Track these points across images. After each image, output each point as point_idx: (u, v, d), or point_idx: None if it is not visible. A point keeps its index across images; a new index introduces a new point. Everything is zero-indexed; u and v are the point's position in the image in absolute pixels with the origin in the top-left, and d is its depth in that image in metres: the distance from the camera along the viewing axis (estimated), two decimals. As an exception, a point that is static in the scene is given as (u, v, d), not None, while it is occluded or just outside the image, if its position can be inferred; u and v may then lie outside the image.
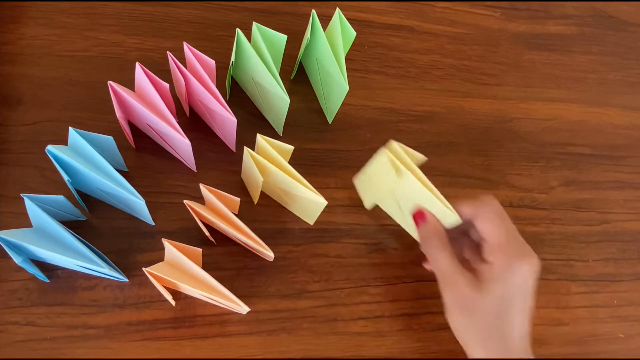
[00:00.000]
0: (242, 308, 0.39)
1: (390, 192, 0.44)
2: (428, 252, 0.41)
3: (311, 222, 0.46)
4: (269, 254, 0.41)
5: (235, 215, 0.40)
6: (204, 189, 0.40)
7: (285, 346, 0.44)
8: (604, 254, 0.54)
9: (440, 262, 0.40)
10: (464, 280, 0.38)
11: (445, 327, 0.47)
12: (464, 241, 0.43)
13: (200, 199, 0.43)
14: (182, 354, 0.42)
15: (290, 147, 0.41)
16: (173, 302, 0.41)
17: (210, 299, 0.39)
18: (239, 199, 0.42)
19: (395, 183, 0.42)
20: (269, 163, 0.40)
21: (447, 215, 0.40)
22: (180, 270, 0.39)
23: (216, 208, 0.41)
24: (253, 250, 0.44)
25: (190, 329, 0.42)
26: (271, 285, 0.45)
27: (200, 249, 0.39)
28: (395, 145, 0.41)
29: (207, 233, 0.43)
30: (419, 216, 0.41)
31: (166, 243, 0.38)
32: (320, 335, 0.44)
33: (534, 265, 0.38)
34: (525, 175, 0.55)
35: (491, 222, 0.40)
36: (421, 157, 0.41)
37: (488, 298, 0.38)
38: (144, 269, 0.38)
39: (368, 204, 0.48)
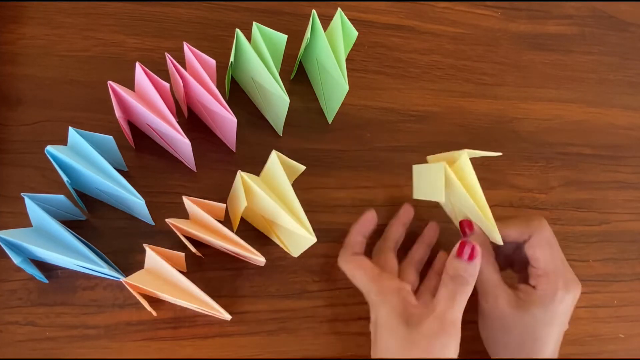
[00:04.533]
0: (224, 315, 0.38)
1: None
2: None
3: (295, 255, 0.44)
4: (259, 259, 0.40)
5: (221, 222, 0.39)
6: (186, 200, 0.40)
7: (285, 346, 0.44)
8: (604, 254, 0.54)
9: (484, 273, 0.39)
10: (505, 295, 0.38)
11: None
12: (506, 255, 0.43)
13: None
14: (182, 354, 0.42)
15: (301, 168, 0.40)
16: (154, 312, 0.41)
17: (192, 306, 0.39)
18: (224, 205, 0.41)
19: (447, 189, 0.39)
20: (260, 189, 0.38)
21: (491, 235, 0.39)
22: (160, 278, 0.39)
23: (201, 220, 0.41)
24: (243, 258, 0.44)
25: (190, 329, 0.42)
26: (271, 285, 0.45)
27: (183, 254, 0.39)
28: (465, 157, 0.38)
29: (193, 249, 0.43)
30: (468, 226, 0.40)
31: (147, 248, 0.38)
32: (320, 335, 0.44)
33: (577, 295, 0.39)
34: (526, 175, 0.55)
35: (540, 249, 0.39)
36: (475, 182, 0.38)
37: (526, 319, 0.37)
38: (122, 279, 0.38)
39: (416, 194, 0.44)
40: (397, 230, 0.44)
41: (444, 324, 0.34)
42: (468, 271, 0.35)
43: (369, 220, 0.43)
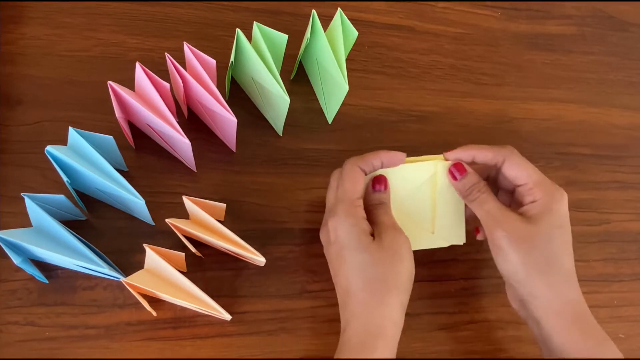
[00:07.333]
0: (224, 315, 0.38)
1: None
2: (475, 198, 0.42)
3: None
4: (259, 259, 0.40)
5: (221, 222, 0.40)
6: (186, 200, 0.40)
7: (285, 346, 0.44)
8: (604, 254, 0.54)
9: (489, 204, 0.41)
10: (516, 216, 0.40)
11: (445, 327, 0.47)
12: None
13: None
14: (182, 354, 0.42)
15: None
16: (154, 312, 0.41)
17: (192, 306, 0.39)
18: (224, 205, 0.41)
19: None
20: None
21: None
22: (160, 278, 0.39)
23: (201, 220, 0.41)
24: (243, 258, 0.44)
25: (190, 329, 0.42)
26: (271, 285, 0.45)
27: (183, 254, 0.40)
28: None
29: (193, 249, 0.43)
30: (460, 169, 0.43)
31: (147, 248, 0.38)
32: (320, 335, 0.44)
33: (566, 196, 0.41)
34: (525, 175, 0.55)
35: (521, 166, 0.41)
36: None
37: (542, 227, 0.39)
38: (122, 279, 0.38)
39: None
40: (376, 159, 0.42)
41: (396, 229, 0.40)
42: (384, 197, 0.42)
43: (397, 157, 0.42)
